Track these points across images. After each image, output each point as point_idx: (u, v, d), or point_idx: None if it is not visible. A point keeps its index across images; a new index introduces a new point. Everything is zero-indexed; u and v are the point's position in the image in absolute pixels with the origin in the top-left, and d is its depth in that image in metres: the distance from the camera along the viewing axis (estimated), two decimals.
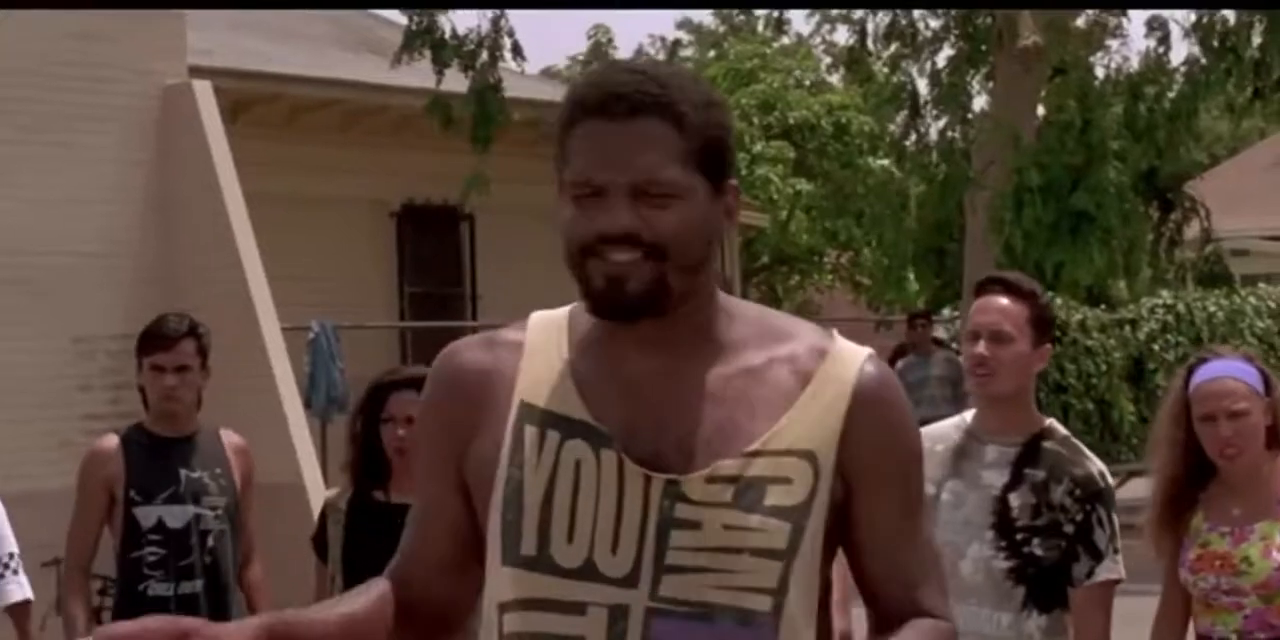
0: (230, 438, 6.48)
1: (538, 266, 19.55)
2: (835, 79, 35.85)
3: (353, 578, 5.43)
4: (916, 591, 2.48)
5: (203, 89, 12.52)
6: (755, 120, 31.68)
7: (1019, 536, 4.57)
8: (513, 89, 17.32)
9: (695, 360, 2.41)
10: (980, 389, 4.66)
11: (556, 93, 23.15)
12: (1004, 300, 4.67)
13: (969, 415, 4.77)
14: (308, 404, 13.50)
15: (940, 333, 16.68)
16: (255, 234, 12.21)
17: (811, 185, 31.56)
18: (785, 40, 37.68)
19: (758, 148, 30.96)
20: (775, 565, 2.33)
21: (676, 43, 41.79)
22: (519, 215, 18.80)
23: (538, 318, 2.51)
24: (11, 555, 6.59)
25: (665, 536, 2.32)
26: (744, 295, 28.94)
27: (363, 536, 5.58)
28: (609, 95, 2.35)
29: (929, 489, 4.67)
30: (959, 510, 4.62)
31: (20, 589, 6.59)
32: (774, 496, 2.34)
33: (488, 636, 2.42)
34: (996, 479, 4.61)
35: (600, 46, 38.68)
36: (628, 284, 2.33)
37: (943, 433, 4.75)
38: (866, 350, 2.50)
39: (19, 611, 6.61)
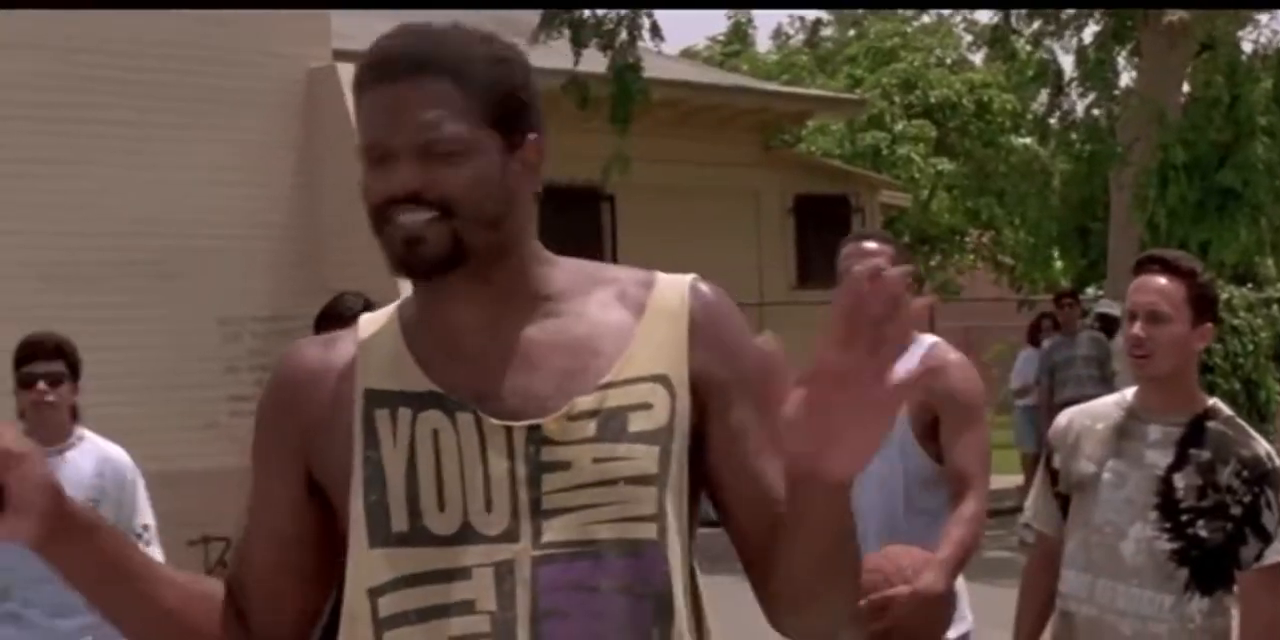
0: None
1: (679, 245, 19.60)
2: (976, 57, 35.56)
3: None
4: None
5: (347, 72, 12.58)
6: (896, 99, 31.53)
7: (1184, 518, 4.49)
8: (651, 69, 17.29)
9: (524, 313, 2.39)
10: (1139, 370, 4.59)
11: (696, 73, 23.15)
12: (1161, 279, 4.58)
13: (1129, 393, 4.69)
14: None
15: (1117, 311, 16.46)
16: None
17: (953, 164, 31.37)
18: (925, 18, 37.39)
19: (899, 127, 30.80)
20: (650, 491, 2.30)
21: (817, 22, 41.63)
22: (660, 196, 18.82)
23: (366, 316, 2.53)
24: (145, 527, 6.70)
25: (537, 482, 2.29)
26: None
27: None
28: (386, 58, 2.36)
29: (1089, 468, 4.60)
30: (1120, 490, 4.55)
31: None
32: (636, 423, 2.32)
33: (353, 629, 2.34)
34: (1160, 459, 4.53)
35: (740, 26, 38.60)
36: (424, 245, 2.32)
37: (1103, 411, 4.68)
38: (691, 275, 2.48)
39: None
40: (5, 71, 11.29)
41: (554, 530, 2.28)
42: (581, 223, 18.48)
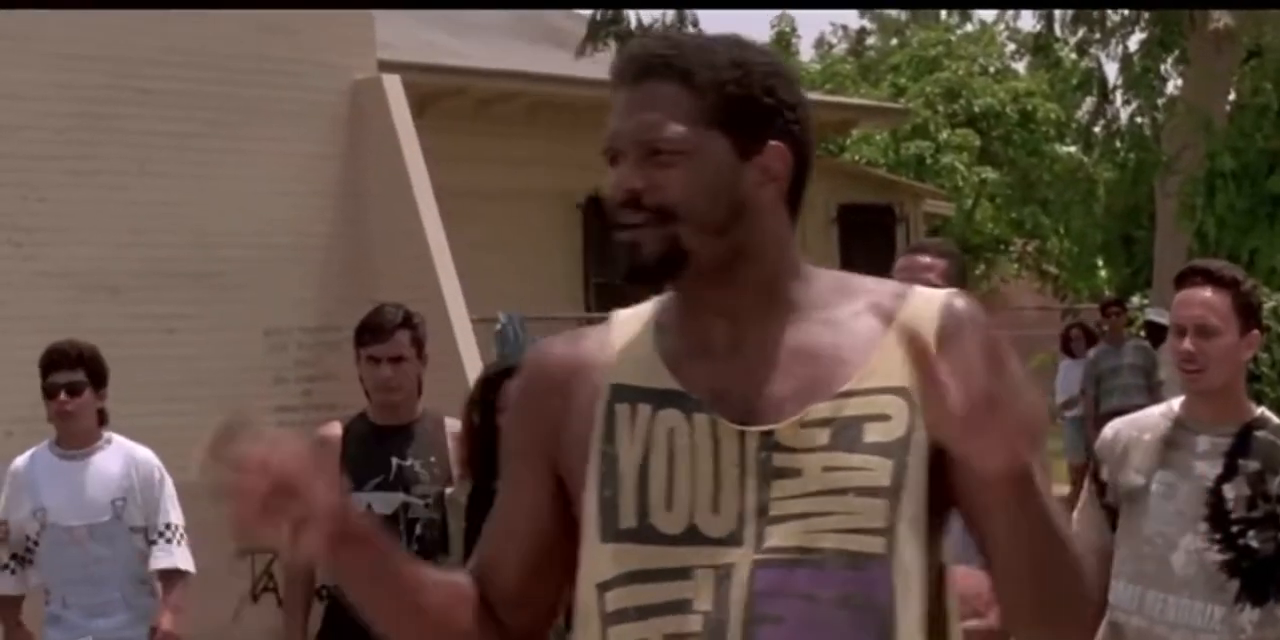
0: (454, 426, 6.51)
1: None
2: (1020, 66, 35.48)
3: None
4: None
5: (392, 83, 12.61)
6: (940, 108, 31.46)
7: (1234, 529, 4.46)
8: None
9: (772, 320, 2.37)
10: (1192, 385, 4.56)
11: None
12: (1206, 292, 4.56)
13: (1176, 403, 4.66)
14: None
15: (1165, 319, 16.37)
16: (443, 227, 12.30)
17: (997, 173, 31.29)
18: (969, 27, 37.36)
19: (943, 136, 30.74)
20: (880, 503, 2.25)
21: (861, 31, 41.59)
22: None
23: (623, 312, 2.50)
24: (169, 526, 6.89)
25: (766, 488, 2.27)
26: None
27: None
28: (622, 62, 2.38)
29: (1138, 480, 4.57)
30: (1170, 501, 4.53)
31: (169, 557, 6.88)
32: (873, 434, 2.28)
33: (586, 623, 2.36)
34: (1209, 470, 4.51)
35: (784, 36, 38.59)
36: (642, 249, 2.32)
37: (1150, 422, 4.65)
38: (948, 290, 2.44)
39: (171, 578, 6.92)
40: (52, 84, 11.34)
41: (777, 536, 2.26)
42: None
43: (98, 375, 6.80)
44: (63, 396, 6.69)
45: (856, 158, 29.36)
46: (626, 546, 2.32)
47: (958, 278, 5.10)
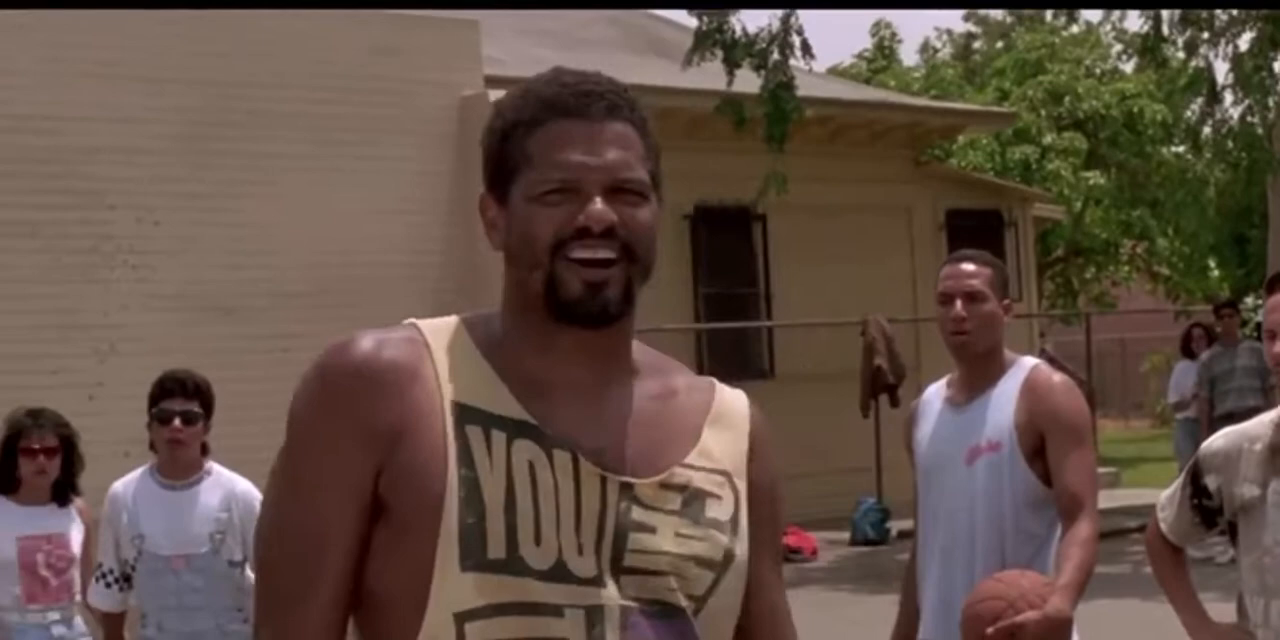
0: None
1: (830, 265, 19.55)
2: (1127, 67, 35.21)
3: None
4: None
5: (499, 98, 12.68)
6: (1044, 111, 31.25)
7: None
8: (803, 87, 17.26)
9: (620, 375, 2.40)
10: None
11: (847, 90, 23.09)
12: None
13: None
14: None
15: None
16: None
17: (1104, 177, 31.04)
18: (1075, 29, 37.10)
19: (1048, 139, 30.52)
20: (710, 576, 2.37)
21: (968, 35, 41.37)
22: (811, 214, 18.77)
23: (425, 323, 2.42)
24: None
25: (623, 539, 2.32)
26: (1039, 288, 28.64)
27: None
28: (585, 95, 2.35)
29: (1253, 491, 4.52)
30: None
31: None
32: (712, 509, 2.39)
33: None
34: None
35: (884, 43, 38.47)
36: (607, 289, 2.32)
37: (1258, 431, 4.59)
38: (741, 391, 2.56)
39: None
40: (161, 107, 11.47)
41: (634, 587, 2.32)
42: (734, 244, 18.47)
43: (209, 407, 6.83)
44: (177, 424, 6.71)
45: (963, 163, 29.23)
46: (492, 577, 2.27)
47: (1001, 287, 5.12)
